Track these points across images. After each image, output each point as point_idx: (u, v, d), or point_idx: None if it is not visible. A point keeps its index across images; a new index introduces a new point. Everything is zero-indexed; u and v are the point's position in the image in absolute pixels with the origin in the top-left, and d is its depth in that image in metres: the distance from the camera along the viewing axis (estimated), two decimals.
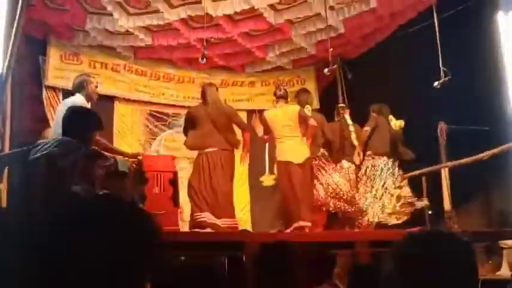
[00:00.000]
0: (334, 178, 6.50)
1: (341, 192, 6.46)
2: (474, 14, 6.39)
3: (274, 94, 6.30)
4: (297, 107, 6.14)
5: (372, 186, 6.49)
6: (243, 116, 8.64)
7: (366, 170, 6.60)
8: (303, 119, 6.00)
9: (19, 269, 1.05)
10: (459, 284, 1.25)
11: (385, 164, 6.55)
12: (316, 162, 6.46)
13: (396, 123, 6.69)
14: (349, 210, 6.49)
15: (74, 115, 3.84)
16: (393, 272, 1.33)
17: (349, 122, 6.97)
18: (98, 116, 3.94)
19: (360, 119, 7.12)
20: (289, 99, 6.40)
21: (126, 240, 0.95)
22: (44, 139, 4.42)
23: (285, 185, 5.90)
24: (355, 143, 6.79)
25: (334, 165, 6.66)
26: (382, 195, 6.47)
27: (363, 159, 6.76)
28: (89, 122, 3.82)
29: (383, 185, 6.49)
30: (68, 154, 3.45)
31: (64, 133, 3.71)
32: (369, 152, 6.71)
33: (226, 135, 5.76)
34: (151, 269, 1.01)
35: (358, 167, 6.75)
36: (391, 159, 6.59)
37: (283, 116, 6.03)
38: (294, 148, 5.95)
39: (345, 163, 6.72)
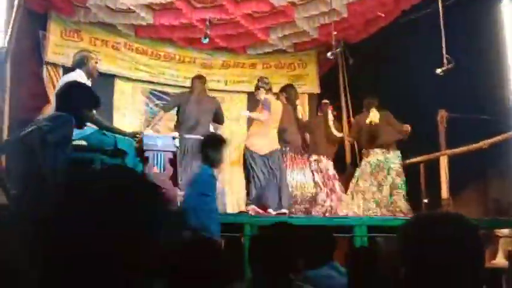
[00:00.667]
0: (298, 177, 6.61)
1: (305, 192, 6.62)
2: (479, 1, 6.36)
3: (262, 87, 6.28)
4: (280, 105, 6.37)
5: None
6: (244, 98, 8.64)
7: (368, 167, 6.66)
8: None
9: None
10: (464, 266, 1.25)
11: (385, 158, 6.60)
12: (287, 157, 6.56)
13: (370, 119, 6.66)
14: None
15: (67, 90, 3.68)
16: (398, 253, 1.33)
17: (331, 117, 6.96)
18: (93, 93, 3.78)
19: (360, 106, 7.14)
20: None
21: (140, 210, 0.94)
22: (44, 115, 4.35)
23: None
24: (336, 133, 6.92)
25: (302, 161, 6.74)
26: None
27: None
28: (83, 98, 3.69)
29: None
30: (56, 128, 3.37)
31: (57, 108, 3.59)
32: (364, 151, 6.89)
33: None
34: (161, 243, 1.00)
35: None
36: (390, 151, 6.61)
37: (278, 109, 6.26)
38: (271, 140, 6.13)
39: (315, 157, 6.86)
